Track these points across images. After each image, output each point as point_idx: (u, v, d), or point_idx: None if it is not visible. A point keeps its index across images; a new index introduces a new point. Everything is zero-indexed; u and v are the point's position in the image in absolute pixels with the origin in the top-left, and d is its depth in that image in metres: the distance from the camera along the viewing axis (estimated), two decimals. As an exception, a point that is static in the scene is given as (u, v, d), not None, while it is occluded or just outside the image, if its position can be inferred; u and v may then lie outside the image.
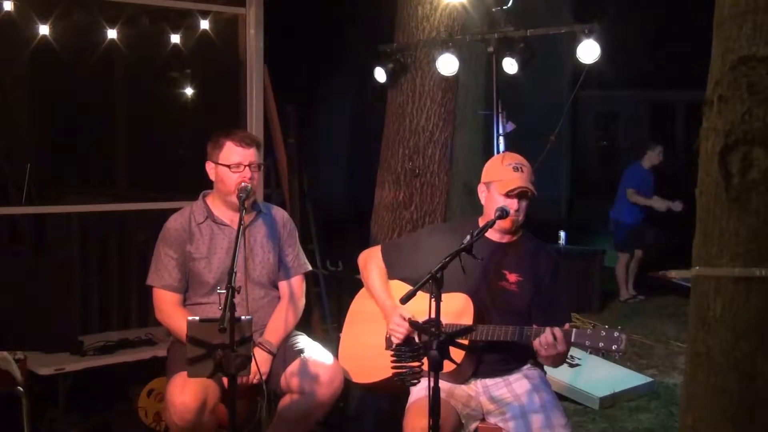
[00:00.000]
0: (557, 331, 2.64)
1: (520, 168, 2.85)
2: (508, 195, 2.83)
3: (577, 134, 15.92)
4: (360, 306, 3.23)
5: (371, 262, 3.15)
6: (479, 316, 2.81)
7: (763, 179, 1.71)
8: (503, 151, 2.98)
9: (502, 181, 2.85)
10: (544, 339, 2.64)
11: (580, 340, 2.63)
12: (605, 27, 3.64)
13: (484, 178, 2.95)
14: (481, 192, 2.95)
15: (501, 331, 2.74)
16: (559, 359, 2.78)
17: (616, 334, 2.58)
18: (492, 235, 2.95)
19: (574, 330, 2.65)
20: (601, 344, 2.59)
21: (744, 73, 1.72)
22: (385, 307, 3.00)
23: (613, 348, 2.58)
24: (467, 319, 2.80)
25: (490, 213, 2.88)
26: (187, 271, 3.17)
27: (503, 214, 2.81)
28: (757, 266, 1.71)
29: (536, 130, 4.85)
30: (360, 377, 3.08)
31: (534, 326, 2.71)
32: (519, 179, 2.83)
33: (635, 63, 13.97)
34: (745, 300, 1.73)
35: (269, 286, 3.28)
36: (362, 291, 3.25)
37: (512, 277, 2.90)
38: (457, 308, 2.83)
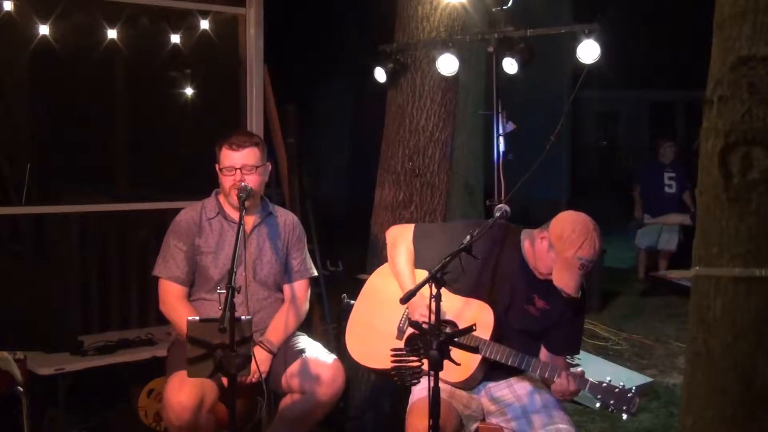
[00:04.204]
0: (571, 382, 2.62)
1: (586, 266, 2.70)
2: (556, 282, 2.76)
3: (577, 134, 15.92)
4: (379, 283, 3.14)
5: (401, 242, 3.05)
6: (496, 332, 2.80)
7: (763, 179, 1.71)
8: (588, 226, 2.71)
9: (563, 270, 2.71)
10: (558, 386, 2.64)
11: (593, 393, 2.61)
12: (605, 27, 3.63)
13: (554, 237, 2.74)
14: (543, 238, 2.79)
15: (512, 357, 2.72)
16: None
17: (629, 395, 2.54)
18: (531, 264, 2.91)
19: (588, 382, 2.61)
20: (612, 401, 2.56)
21: (744, 73, 1.72)
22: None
23: (624, 409, 2.54)
24: (485, 332, 2.78)
25: (535, 255, 2.82)
26: (194, 265, 3.18)
27: (504, 213, 2.80)
28: (757, 266, 1.71)
29: (536, 129, 4.84)
30: (364, 359, 3.04)
31: (545, 362, 2.72)
32: (574, 282, 2.70)
33: (635, 63, 13.97)
34: (745, 300, 1.73)
35: (274, 287, 3.29)
36: (383, 268, 3.16)
37: (540, 303, 2.87)
38: (476, 317, 2.80)
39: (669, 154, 8.36)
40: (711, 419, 1.78)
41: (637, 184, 8.54)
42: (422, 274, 2.99)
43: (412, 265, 3.02)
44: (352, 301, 3.21)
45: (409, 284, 2.94)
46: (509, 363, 2.72)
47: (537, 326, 2.87)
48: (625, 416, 2.55)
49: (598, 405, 2.61)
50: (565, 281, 2.71)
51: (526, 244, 2.90)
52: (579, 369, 2.69)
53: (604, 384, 2.59)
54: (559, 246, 2.71)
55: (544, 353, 2.90)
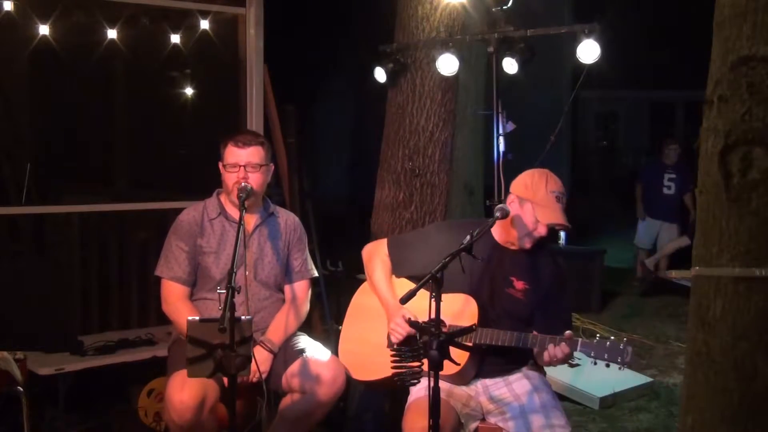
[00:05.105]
0: (563, 345, 2.63)
1: (561, 198, 2.83)
2: (547, 225, 2.81)
3: (577, 134, 15.91)
4: (362, 300, 3.20)
5: (376, 256, 3.12)
6: (483, 320, 2.81)
7: (763, 179, 1.71)
8: (544, 170, 2.93)
9: (544, 208, 2.81)
10: (551, 352, 2.65)
11: (586, 351, 2.63)
12: (605, 27, 3.64)
13: (520, 191, 2.88)
14: (511, 202, 2.89)
15: (502, 336, 2.73)
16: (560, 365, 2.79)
17: (621, 346, 2.57)
18: (503, 240, 2.94)
19: (579, 341, 2.64)
20: (606, 356, 2.59)
21: (744, 73, 1.72)
22: (387, 304, 2.99)
23: (618, 360, 2.57)
24: (470, 322, 2.79)
25: (515, 224, 2.85)
26: (196, 265, 3.19)
27: (504, 214, 2.81)
28: (757, 266, 1.71)
29: (536, 129, 4.85)
30: (359, 374, 3.06)
31: (535, 333, 2.72)
32: (560, 213, 2.81)
33: (635, 63, 13.96)
34: (745, 300, 1.73)
35: (274, 288, 3.30)
36: (364, 285, 3.23)
37: (519, 284, 2.89)
38: (461, 310, 2.83)
39: (672, 155, 8.31)
40: (711, 419, 1.79)
41: (639, 183, 8.56)
42: (400, 283, 3.04)
43: (389, 276, 3.08)
44: (340, 327, 3.25)
45: (386, 292, 3.01)
46: (505, 343, 2.72)
47: (523, 309, 2.88)
48: (620, 367, 2.59)
49: (593, 363, 2.63)
50: (551, 214, 2.80)
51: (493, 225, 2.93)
52: (567, 332, 2.69)
53: (595, 341, 2.63)
54: (529, 194, 2.84)
55: None
